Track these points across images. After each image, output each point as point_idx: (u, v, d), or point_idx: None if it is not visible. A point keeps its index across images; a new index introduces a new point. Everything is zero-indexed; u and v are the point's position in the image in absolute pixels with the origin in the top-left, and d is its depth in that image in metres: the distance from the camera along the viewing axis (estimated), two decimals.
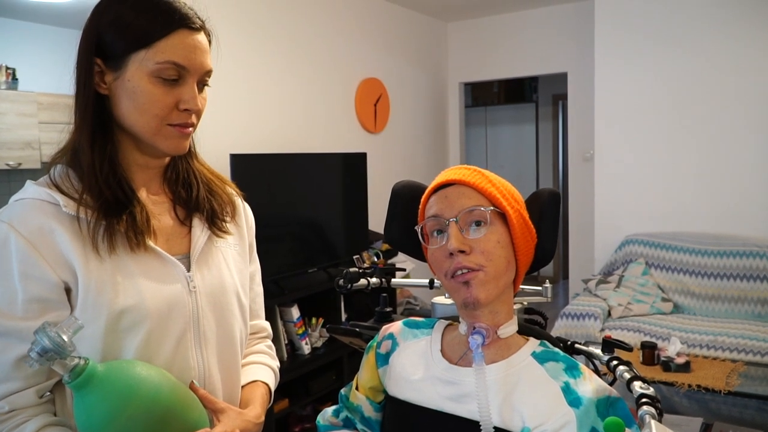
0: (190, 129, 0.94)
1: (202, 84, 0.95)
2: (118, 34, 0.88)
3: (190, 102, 0.91)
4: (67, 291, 0.88)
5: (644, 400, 0.81)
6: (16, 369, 0.85)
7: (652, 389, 0.84)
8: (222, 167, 2.91)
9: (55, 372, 0.87)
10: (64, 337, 0.75)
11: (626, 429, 0.72)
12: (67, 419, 0.89)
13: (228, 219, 1.06)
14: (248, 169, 3.01)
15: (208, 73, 0.94)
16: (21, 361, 0.85)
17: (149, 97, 0.88)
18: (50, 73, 4.16)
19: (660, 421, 0.78)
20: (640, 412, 0.80)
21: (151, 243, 0.93)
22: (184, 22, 0.89)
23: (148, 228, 0.93)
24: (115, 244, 0.89)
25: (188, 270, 0.97)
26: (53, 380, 0.89)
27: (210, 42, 0.96)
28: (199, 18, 0.93)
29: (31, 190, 0.90)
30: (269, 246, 3.08)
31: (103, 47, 0.89)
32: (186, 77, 0.90)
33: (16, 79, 4.20)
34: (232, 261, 1.05)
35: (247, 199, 1.17)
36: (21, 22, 4.41)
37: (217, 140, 3.14)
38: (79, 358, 0.78)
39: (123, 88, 0.89)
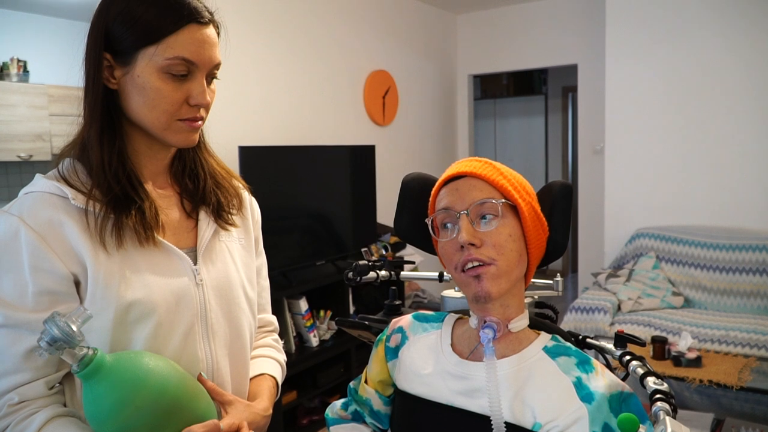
0: (200, 123, 0.94)
1: (210, 77, 0.94)
2: (126, 29, 0.87)
3: (199, 97, 0.91)
4: (77, 284, 0.88)
5: (658, 396, 0.80)
6: (26, 360, 0.85)
7: (666, 385, 0.83)
8: (230, 159, 2.91)
9: (65, 363, 0.87)
10: (74, 327, 0.75)
11: (640, 425, 0.71)
12: (77, 410, 0.90)
13: (234, 212, 1.06)
14: (257, 161, 3.01)
15: (217, 66, 0.94)
16: (31, 353, 0.85)
17: (159, 93, 0.88)
18: (61, 66, 4.17)
19: (674, 417, 0.76)
20: (654, 408, 0.79)
21: (159, 237, 0.93)
22: (193, 16, 0.88)
23: (157, 223, 0.93)
24: (123, 239, 0.89)
25: (194, 263, 0.97)
26: (63, 371, 0.89)
27: (219, 34, 0.96)
28: (208, 11, 0.93)
29: (40, 183, 0.90)
30: (277, 238, 3.08)
31: (111, 42, 0.88)
32: (195, 72, 0.90)
33: (27, 72, 4.22)
34: (237, 255, 1.05)
35: (255, 191, 1.17)
36: (32, 15, 4.42)
37: (226, 132, 3.13)
38: (88, 348, 0.78)
39: (132, 84, 0.89)
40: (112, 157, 0.90)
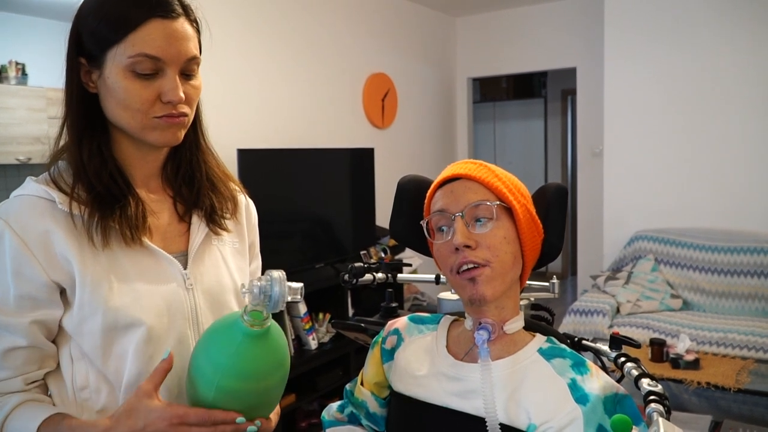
0: (180, 119, 0.91)
1: (188, 72, 0.92)
2: (92, 32, 0.88)
3: (171, 93, 0.88)
4: (63, 291, 0.88)
5: (652, 397, 0.80)
6: (6, 359, 0.86)
7: (660, 386, 0.83)
8: (229, 162, 2.91)
9: (48, 362, 0.88)
10: (288, 297, 0.83)
11: (634, 427, 0.71)
12: (65, 407, 0.89)
13: (228, 216, 1.04)
14: (255, 164, 3.01)
15: (193, 59, 0.91)
16: (10, 352, 0.86)
17: (128, 93, 0.87)
18: (59, 69, 4.17)
19: (668, 418, 0.77)
20: (647, 410, 0.79)
21: (146, 240, 0.92)
22: (154, 11, 0.87)
23: (144, 223, 0.92)
24: (109, 237, 0.89)
25: (185, 267, 0.96)
26: (44, 370, 0.90)
27: (198, 29, 0.94)
28: (178, 5, 0.90)
29: (29, 187, 0.90)
30: (276, 241, 3.08)
31: (83, 46, 0.89)
32: (164, 68, 0.88)
33: (26, 75, 4.23)
34: (230, 259, 1.04)
35: (254, 195, 1.15)
36: (31, 18, 4.43)
37: (225, 135, 3.14)
38: (268, 312, 0.84)
39: (105, 86, 0.89)
40: (91, 158, 0.90)
